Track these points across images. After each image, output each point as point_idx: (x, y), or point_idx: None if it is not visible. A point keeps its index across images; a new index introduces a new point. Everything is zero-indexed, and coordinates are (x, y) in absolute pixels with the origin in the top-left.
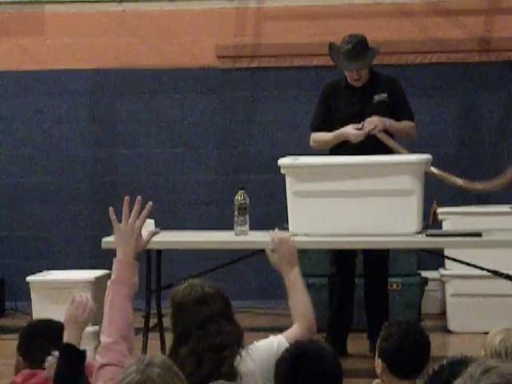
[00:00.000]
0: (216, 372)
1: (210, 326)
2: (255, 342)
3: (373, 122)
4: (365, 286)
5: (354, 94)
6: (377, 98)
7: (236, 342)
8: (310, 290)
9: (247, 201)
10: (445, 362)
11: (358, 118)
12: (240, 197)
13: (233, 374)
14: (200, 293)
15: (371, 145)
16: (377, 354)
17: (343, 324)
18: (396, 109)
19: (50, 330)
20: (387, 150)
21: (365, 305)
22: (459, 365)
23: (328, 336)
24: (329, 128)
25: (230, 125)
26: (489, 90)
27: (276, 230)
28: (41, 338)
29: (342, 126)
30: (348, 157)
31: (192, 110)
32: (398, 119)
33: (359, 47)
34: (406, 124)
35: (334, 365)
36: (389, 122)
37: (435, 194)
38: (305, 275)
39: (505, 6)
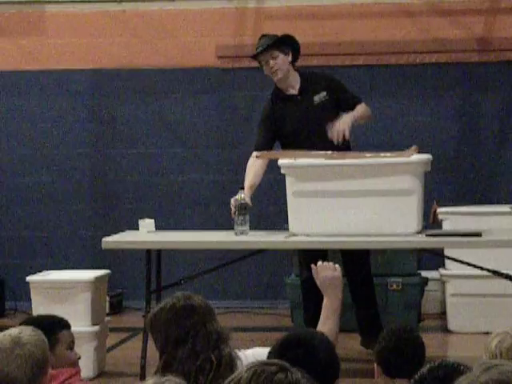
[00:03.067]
0: (219, 364)
1: (205, 326)
2: (257, 348)
3: (340, 133)
4: (349, 285)
5: (293, 102)
6: (317, 98)
7: (227, 337)
8: None
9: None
10: (426, 369)
11: (305, 124)
12: (240, 197)
13: (234, 362)
14: (188, 301)
15: (327, 143)
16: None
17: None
18: (341, 101)
19: (38, 327)
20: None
21: (352, 300)
22: (441, 370)
23: None
24: (279, 142)
25: (229, 125)
26: (489, 90)
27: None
28: None
29: (294, 138)
30: (348, 158)
31: (192, 110)
32: (348, 109)
33: (263, 39)
34: (361, 109)
35: (326, 352)
36: (350, 119)
37: (435, 194)
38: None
39: (505, 6)
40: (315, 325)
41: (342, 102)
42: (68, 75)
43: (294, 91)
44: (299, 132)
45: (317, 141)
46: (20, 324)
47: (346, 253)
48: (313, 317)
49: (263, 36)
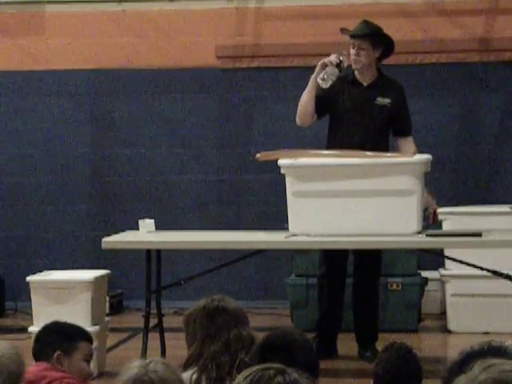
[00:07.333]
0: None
1: (237, 328)
2: None
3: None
4: (353, 288)
5: (358, 91)
6: (380, 100)
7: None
8: (310, 290)
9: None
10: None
11: (356, 113)
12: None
13: None
14: (221, 303)
15: (366, 142)
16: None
17: (332, 325)
18: (399, 119)
19: (60, 331)
20: (381, 148)
21: (353, 308)
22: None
23: (317, 336)
24: (325, 115)
25: (229, 125)
26: (489, 89)
27: None
28: (51, 337)
29: (340, 118)
30: (348, 157)
31: (192, 110)
32: (396, 126)
33: (365, 24)
34: (412, 148)
35: (305, 354)
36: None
37: (435, 194)
38: (305, 275)
39: (505, 6)
40: (330, 318)
41: (399, 121)
42: (68, 75)
43: (364, 83)
44: (348, 116)
45: (357, 133)
46: (43, 327)
47: (358, 255)
48: (324, 314)
49: (365, 21)
